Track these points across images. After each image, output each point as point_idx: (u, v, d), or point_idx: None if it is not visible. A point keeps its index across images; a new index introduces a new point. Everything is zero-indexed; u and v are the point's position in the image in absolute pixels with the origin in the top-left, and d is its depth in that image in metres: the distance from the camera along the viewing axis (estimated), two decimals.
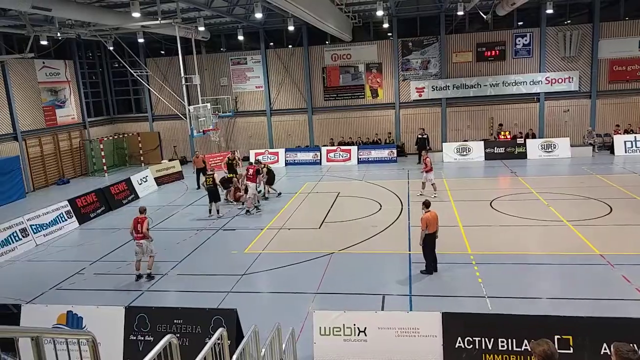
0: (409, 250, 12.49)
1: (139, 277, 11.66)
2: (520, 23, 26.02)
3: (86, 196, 17.97)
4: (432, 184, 17.65)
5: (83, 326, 8.16)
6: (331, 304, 9.55)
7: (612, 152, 24.00)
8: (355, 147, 26.31)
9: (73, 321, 8.25)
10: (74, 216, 16.93)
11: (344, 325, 7.54)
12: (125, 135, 29.22)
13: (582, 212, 14.90)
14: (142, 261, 11.69)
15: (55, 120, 25.57)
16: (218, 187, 16.97)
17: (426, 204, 10.89)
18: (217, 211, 16.75)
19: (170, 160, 26.49)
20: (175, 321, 7.82)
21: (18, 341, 3.33)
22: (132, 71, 24.80)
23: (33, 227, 15.29)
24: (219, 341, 5.17)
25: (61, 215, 16.46)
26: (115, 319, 8.04)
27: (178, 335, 7.35)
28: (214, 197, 16.66)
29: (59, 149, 25.49)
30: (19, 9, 15.75)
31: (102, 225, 16.94)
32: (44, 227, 15.67)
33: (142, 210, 11.87)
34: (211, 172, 17.11)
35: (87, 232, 16.42)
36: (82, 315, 8.28)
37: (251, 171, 16.99)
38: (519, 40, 25.82)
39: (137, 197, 20.45)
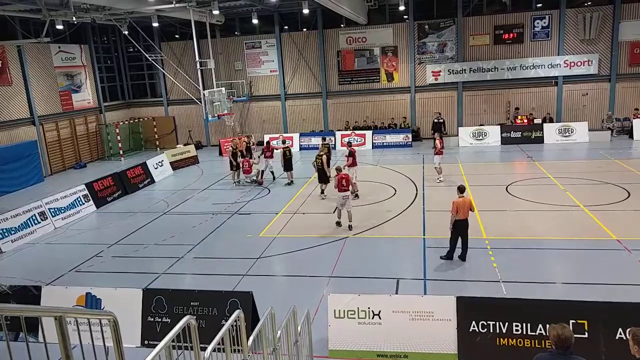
0: (424, 235, 12.46)
1: (338, 224, 13.38)
2: (539, 5, 25.39)
3: (103, 180, 18.22)
4: (434, 167, 17.66)
5: (102, 307, 8.35)
6: (346, 287, 9.61)
7: (631, 136, 23.49)
8: (370, 132, 26.15)
9: (92, 302, 8.45)
10: (91, 200, 17.20)
11: (358, 308, 7.57)
12: (141, 119, 29.43)
13: (599, 197, 14.69)
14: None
15: (72, 105, 25.85)
16: (327, 168, 16.56)
17: (460, 189, 10.54)
18: (322, 191, 16.59)
19: (185, 144, 26.68)
20: (192, 303, 7.94)
21: (41, 321, 3.41)
22: (147, 55, 24.84)
23: (51, 210, 15.57)
24: (236, 322, 5.23)
25: (79, 199, 16.74)
26: (133, 300, 8.20)
27: (195, 317, 7.48)
28: (322, 177, 16.49)
29: (75, 134, 25.82)
30: None
31: (119, 209, 17.19)
32: (62, 211, 15.95)
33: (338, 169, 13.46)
34: (322, 153, 16.83)
35: (105, 215, 16.68)
36: (100, 296, 8.47)
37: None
38: (538, 23, 25.20)
39: (152, 181, 20.68)
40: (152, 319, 8.06)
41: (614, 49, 24.64)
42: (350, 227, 13.19)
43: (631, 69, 24.88)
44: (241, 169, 19.21)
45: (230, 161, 19.32)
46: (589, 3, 25.00)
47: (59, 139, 24.75)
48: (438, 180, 17.48)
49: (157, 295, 8.16)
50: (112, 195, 18.26)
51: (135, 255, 12.54)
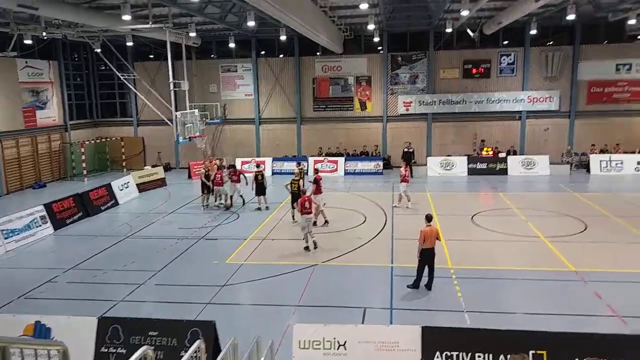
0: (392, 263, 12.47)
1: (306, 248, 13.55)
2: (506, 42, 26.55)
3: (63, 201, 17.47)
4: (399, 194, 18.21)
5: (51, 337, 7.80)
6: (312, 316, 9.46)
7: (588, 170, 24.53)
8: (342, 159, 26.37)
9: (41, 332, 7.87)
10: (49, 221, 16.38)
11: (323, 338, 7.45)
12: (108, 139, 28.78)
13: (558, 228, 15.16)
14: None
15: (35, 122, 25.02)
16: (302, 192, 16.35)
17: (428, 218, 10.75)
18: (293, 217, 16.51)
19: (153, 166, 26.16)
20: (150, 333, 7.58)
21: None
22: (119, 74, 24.45)
23: (4, 232, 14.70)
24: (196, 354, 5.04)
25: (35, 221, 15.90)
26: (87, 330, 7.75)
27: (153, 347, 7.17)
28: (295, 201, 16.02)
29: (37, 152, 24.92)
30: (4, 7, 15.47)
31: (79, 232, 16.54)
32: (16, 233, 15.08)
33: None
34: (297, 178, 16.96)
35: (63, 238, 16.01)
36: (50, 325, 7.91)
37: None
38: (504, 59, 26.33)
39: (117, 203, 20.07)
40: (106, 350, 7.65)
41: (574, 87, 25.90)
42: (315, 245, 13.57)
43: (589, 106, 26.15)
44: (212, 189, 18.80)
45: (203, 183, 19.02)
46: (551, 43, 26.32)
47: (18, 157, 23.77)
48: (394, 205, 18.03)
49: (112, 324, 7.77)
50: (72, 217, 17.53)
51: (93, 281, 12.00)
